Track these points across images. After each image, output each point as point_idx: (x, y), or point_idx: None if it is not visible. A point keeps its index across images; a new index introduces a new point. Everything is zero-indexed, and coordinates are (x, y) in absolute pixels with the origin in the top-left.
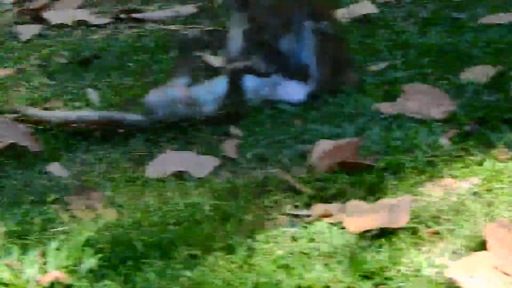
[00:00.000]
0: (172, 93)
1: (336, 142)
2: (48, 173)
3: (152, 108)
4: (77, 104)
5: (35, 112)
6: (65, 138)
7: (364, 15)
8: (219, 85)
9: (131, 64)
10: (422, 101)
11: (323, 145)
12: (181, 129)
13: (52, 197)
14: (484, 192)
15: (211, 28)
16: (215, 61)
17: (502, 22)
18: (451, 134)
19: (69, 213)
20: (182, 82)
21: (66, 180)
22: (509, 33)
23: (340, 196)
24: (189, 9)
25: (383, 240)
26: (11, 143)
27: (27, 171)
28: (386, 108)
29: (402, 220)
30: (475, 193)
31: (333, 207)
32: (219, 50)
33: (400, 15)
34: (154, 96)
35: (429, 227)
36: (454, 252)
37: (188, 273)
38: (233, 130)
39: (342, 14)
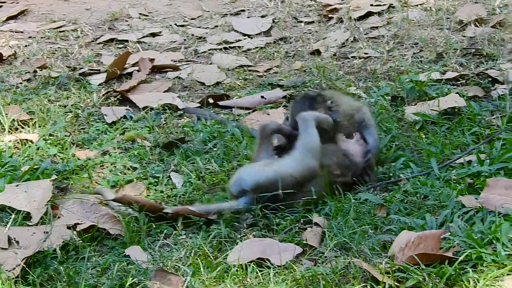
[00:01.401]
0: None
1: (418, 234)
2: (128, 256)
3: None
4: (159, 188)
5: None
6: (146, 222)
7: (452, 108)
8: None
9: (216, 149)
10: (505, 195)
11: (405, 236)
12: (264, 215)
13: (131, 281)
14: None
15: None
16: None
17: None
18: None
19: None
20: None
21: (146, 264)
22: None
23: None
24: (277, 92)
25: None
26: (92, 225)
27: (106, 254)
28: (469, 201)
29: None
30: None
31: None
32: None
33: (487, 109)
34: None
35: None
36: None
37: None
38: (316, 218)
39: (430, 106)
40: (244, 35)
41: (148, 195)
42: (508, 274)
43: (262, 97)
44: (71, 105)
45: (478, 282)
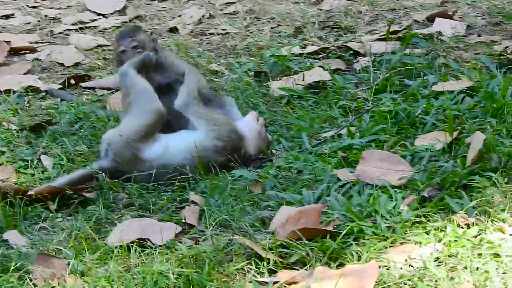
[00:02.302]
0: None
1: (298, 209)
2: (6, 241)
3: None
4: (29, 171)
5: None
6: (21, 206)
7: (316, 81)
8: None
9: (83, 130)
10: (381, 167)
11: (285, 212)
12: (140, 195)
13: (14, 266)
14: (447, 258)
15: None
16: None
17: (453, 89)
18: (410, 200)
19: (32, 282)
20: None
21: (26, 248)
22: (461, 99)
23: (304, 263)
24: None
25: None
26: None
27: None
28: (344, 174)
29: (368, 286)
30: (437, 259)
31: (298, 273)
32: None
33: (352, 82)
34: None
35: None
36: None
37: None
38: (193, 196)
39: (295, 80)
40: (99, 14)
41: (18, 179)
42: (390, 246)
43: None
44: None
45: (362, 255)
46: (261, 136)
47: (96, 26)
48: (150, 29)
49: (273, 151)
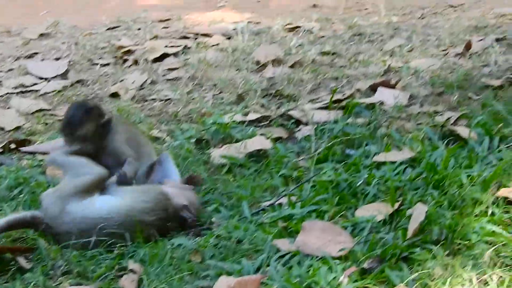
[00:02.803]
0: None
1: (237, 279)
2: None
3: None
4: None
5: None
6: None
7: (258, 150)
8: None
9: (22, 195)
10: (321, 238)
11: (224, 282)
12: (78, 263)
13: None
14: None
15: None
16: None
17: (395, 160)
18: (350, 272)
19: None
20: None
21: None
22: (403, 170)
23: None
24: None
25: None
26: None
27: None
28: (285, 244)
29: None
30: None
31: None
32: None
33: (293, 151)
34: None
35: None
36: None
37: None
38: (132, 264)
39: (236, 148)
40: (41, 78)
41: None
42: None
43: None
44: None
45: None
46: (188, 198)
47: (37, 90)
48: (92, 93)
49: (213, 219)
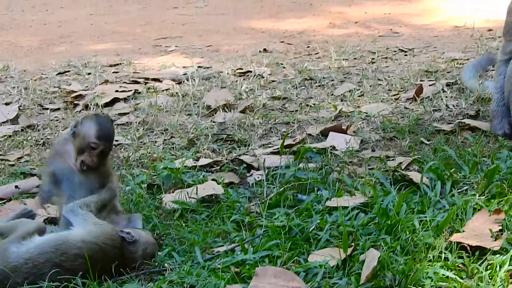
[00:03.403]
0: None
1: None
2: None
3: None
4: None
5: None
6: None
7: (210, 195)
8: None
9: None
10: (275, 284)
11: None
12: None
13: None
14: None
15: None
16: None
17: (347, 205)
18: None
19: None
20: None
21: None
22: (355, 215)
23: None
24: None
25: None
26: None
27: None
28: None
29: None
30: None
31: None
32: None
33: (245, 196)
34: None
35: None
36: None
37: None
38: None
39: (188, 193)
40: None
41: None
42: None
43: (16, 186)
44: None
45: None
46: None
47: None
48: (42, 138)
49: (166, 265)
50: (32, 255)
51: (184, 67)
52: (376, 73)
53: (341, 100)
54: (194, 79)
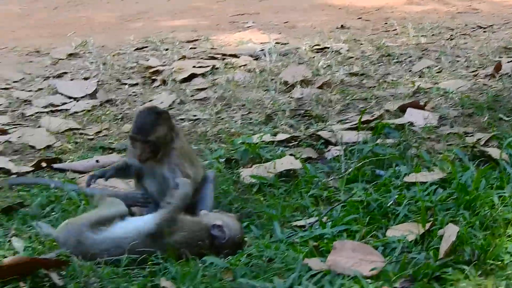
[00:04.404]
0: None
1: None
2: None
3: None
4: (1, 252)
5: None
6: None
7: (288, 170)
8: None
9: (54, 213)
10: (353, 257)
11: None
12: (110, 280)
13: None
14: None
15: None
16: None
17: (426, 181)
18: None
19: None
20: None
21: None
22: (434, 191)
23: None
24: (111, 157)
25: None
26: None
27: None
28: (316, 264)
29: None
30: None
31: None
32: None
33: (323, 171)
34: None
35: None
36: None
37: None
38: (164, 282)
39: (266, 168)
40: (70, 97)
41: None
42: None
43: (97, 161)
44: None
45: None
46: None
47: (67, 109)
48: (120, 113)
49: (244, 239)
50: (109, 246)
51: (261, 43)
52: (454, 49)
53: (419, 77)
54: (271, 55)
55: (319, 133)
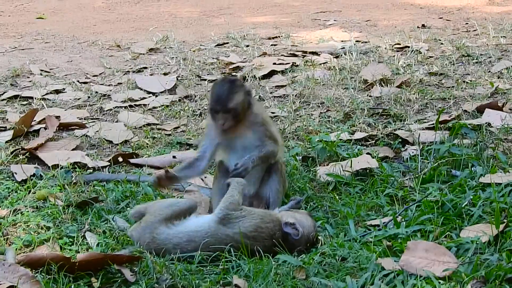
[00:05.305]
0: None
1: None
2: None
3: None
4: (74, 248)
5: None
6: (66, 283)
7: (364, 168)
8: None
9: (129, 208)
10: (426, 258)
11: None
12: (183, 277)
13: None
14: None
15: None
16: None
17: (501, 182)
18: None
19: None
20: None
21: None
22: (509, 192)
23: None
24: (189, 153)
25: None
26: (11, 286)
27: None
28: (389, 263)
29: None
30: None
31: None
32: None
33: (399, 170)
34: None
35: None
36: None
37: None
38: (236, 280)
39: (342, 167)
40: (149, 92)
41: None
42: None
43: (174, 157)
44: None
45: None
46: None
47: (145, 104)
48: (199, 109)
49: (318, 237)
50: (181, 240)
51: (342, 41)
52: None
53: (498, 77)
54: (351, 53)
55: (396, 132)
